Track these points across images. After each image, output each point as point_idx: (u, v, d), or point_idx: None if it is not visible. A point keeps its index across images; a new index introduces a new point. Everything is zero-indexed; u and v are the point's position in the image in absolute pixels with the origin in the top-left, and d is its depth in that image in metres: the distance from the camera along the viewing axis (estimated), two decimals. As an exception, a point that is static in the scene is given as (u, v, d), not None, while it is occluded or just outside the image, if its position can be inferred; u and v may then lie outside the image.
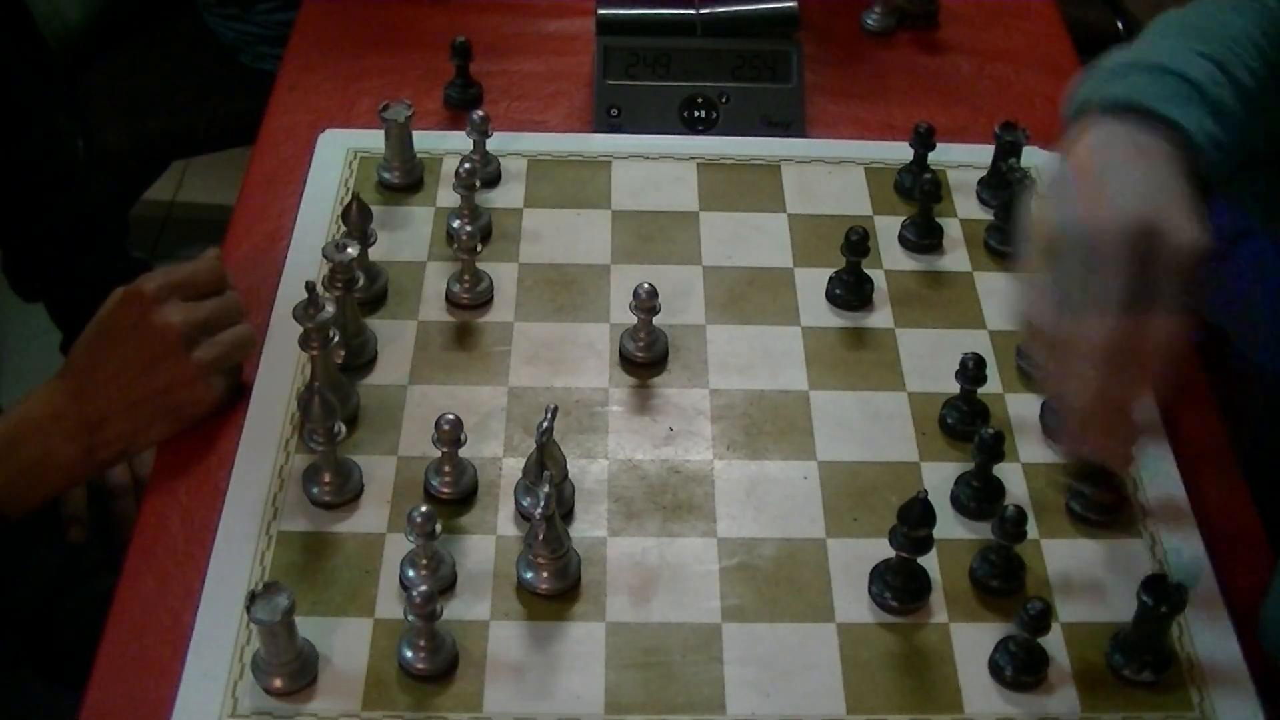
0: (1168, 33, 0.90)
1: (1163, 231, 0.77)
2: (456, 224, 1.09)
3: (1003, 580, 0.89)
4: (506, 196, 1.15)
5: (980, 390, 0.97)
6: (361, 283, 1.01)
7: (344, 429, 0.90)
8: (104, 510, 1.18)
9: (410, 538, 0.84)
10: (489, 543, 0.90)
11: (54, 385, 0.94)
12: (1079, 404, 0.80)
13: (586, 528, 0.91)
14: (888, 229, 1.13)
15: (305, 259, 1.08)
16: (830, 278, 1.08)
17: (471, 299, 1.05)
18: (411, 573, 0.86)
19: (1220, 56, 0.88)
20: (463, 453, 0.92)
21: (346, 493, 0.92)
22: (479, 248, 1.04)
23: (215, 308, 0.96)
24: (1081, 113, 0.86)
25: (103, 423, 0.93)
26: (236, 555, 0.89)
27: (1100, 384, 0.78)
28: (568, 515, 0.92)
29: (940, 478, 0.95)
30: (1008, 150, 1.14)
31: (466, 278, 1.05)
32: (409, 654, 0.83)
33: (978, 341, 1.04)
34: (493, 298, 1.06)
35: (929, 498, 0.84)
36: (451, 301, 1.05)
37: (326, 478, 0.92)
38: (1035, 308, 0.82)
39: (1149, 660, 0.84)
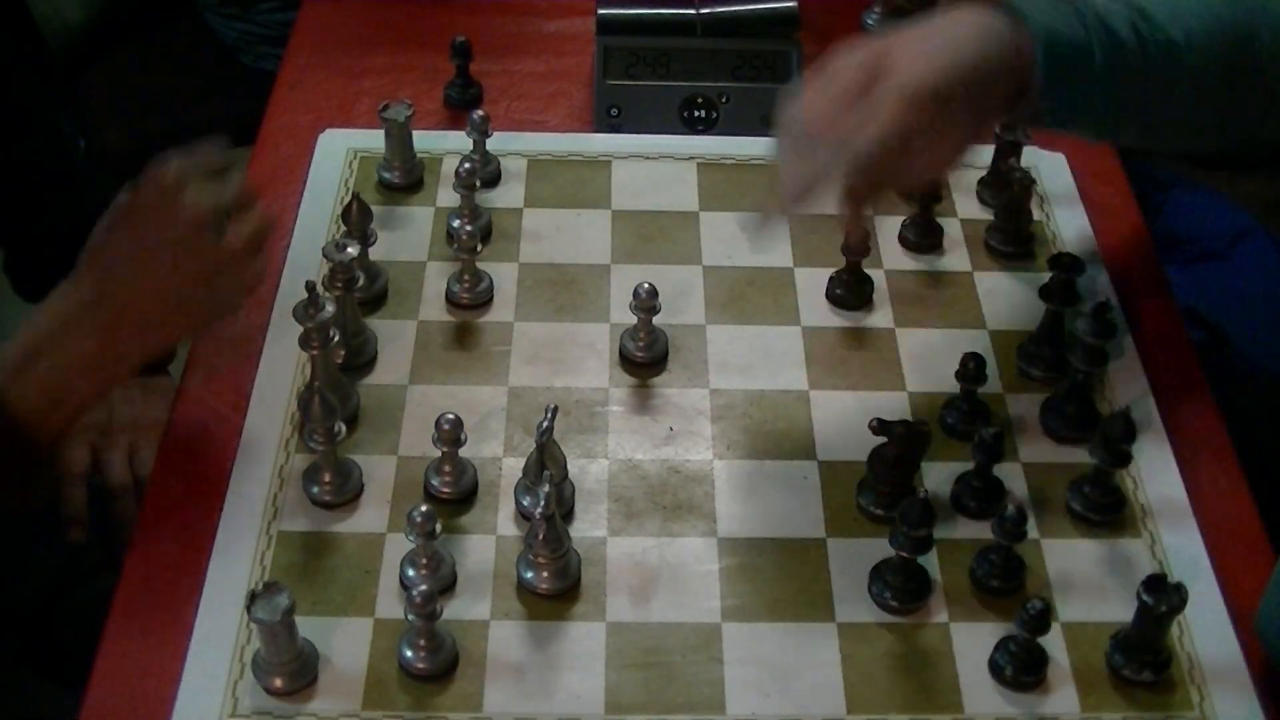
0: None
1: (891, 64, 0.86)
2: (456, 224, 1.09)
3: (1003, 580, 0.89)
4: (506, 196, 1.15)
5: (980, 390, 0.98)
6: (361, 283, 1.01)
7: (344, 429, 0.90)
8: (104, 510, 1.18)
9: (410, 538, 0.84)
10: (489, 543, 0.90)
11: (70, 285, 0.88)
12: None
13: (586, 528, 0.91)
14: (888, 229, 1.13)
15: (305, 259, 1.08)
16: (830, 278, 1.08)
17: (471, 299, 1.05)
18: (411, 573, 0.86)
19: (1152, 7, 0.93)
20: (463, 453, 0.92)
21: (346, 492, 0.92)
22: (479, 247, 1.04)
23: (237, 186, 0.91)
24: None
25: (128, 316, 0.87)
26: (236, 555, 0.89)
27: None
28: (568, 515, 0.92)
29: (940, 478, 0.95)
30: (1008, 150, 1.14)
31: (466, 278, 1.05)
32: (409, 654, 0.83)
33: (978, 341, 1.04)
34: (493, 297, 1.06)
35: (929, 498, 0.84)
36: (451, 301, 1.06)
37: (326, 477, 0.92)
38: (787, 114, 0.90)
39: (1149, 660, 0.84)
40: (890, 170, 0.87)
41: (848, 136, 0.85)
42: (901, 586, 0.88)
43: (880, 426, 0.91)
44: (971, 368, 0.94)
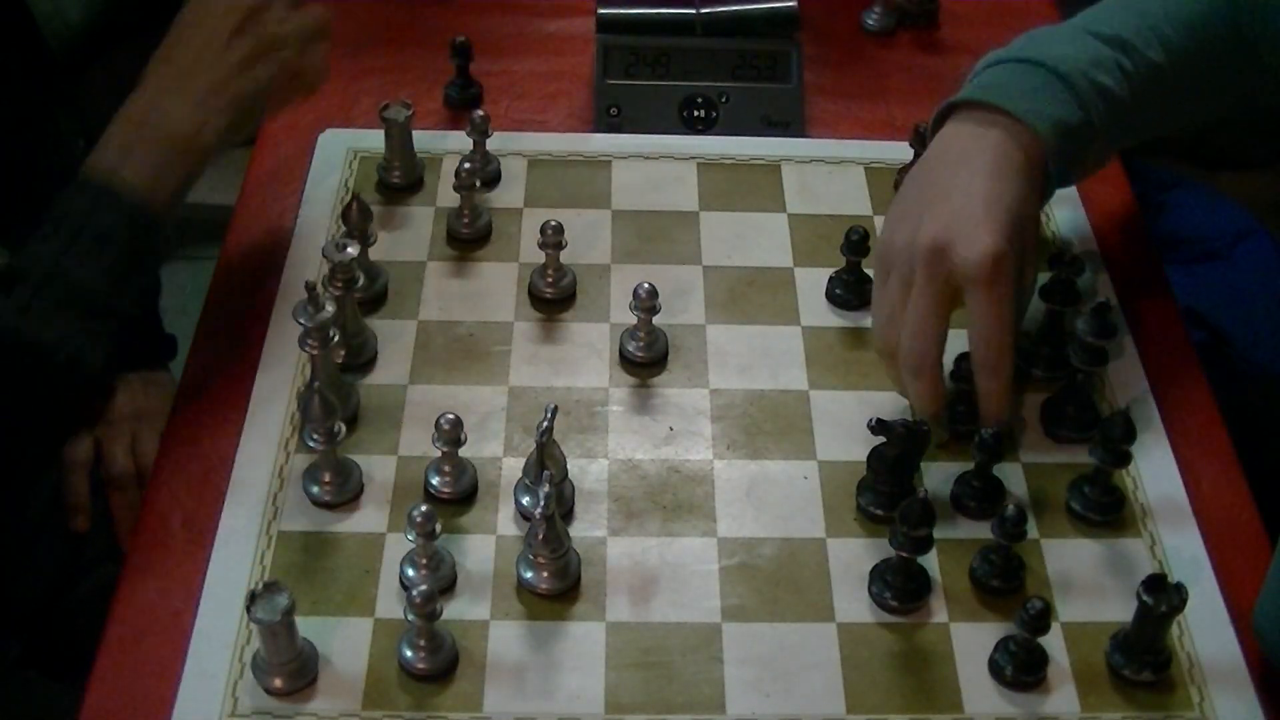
0: (1080, 13, 1.00)
1: (950, 246, 0.88)
2: (455, 223, 1.10)
3: (1003, 580, 0.89)
4: (506, 196, 1.15)
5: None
6: (361, 283, 1.01)
7: (344, 428, 0.90)
8: (106, 500, 1.18)
9: (410, 538, 0.84)
10: (489, 543, 0.90)
11: (153, 71, 0.98)
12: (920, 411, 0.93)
13: (586, 528, 0.91)
14: (888, 229, 1.13)
15: (305, 259, 1.08)
16: (830, 277, 1.08)
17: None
18: (411, 572, 0.86)
19: (1129, 35, 0.95)
20: (463, 453, 0.92)
21: (346, 492, 0.92)
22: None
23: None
24: (943, 114, 0.96)
25: (211, 91, 0.96)
26: (236, 555, 0.89)
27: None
28: (568, 515, 0.92)
29: (940, 478, 0.95)
30: (1008, 150, 1.14)
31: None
32: (409, 654, 0.83)
33: (978, 341, 1.04)
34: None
35: (929, 497, 0.84)
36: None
37: (326, 477, 0.92)
38: (875, 322, 0.95)
39: (1149, 660, 0.84)
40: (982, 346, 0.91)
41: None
42: (901, 587, 0.88)
43: (880, 426, 0.91)
44: (966, 367, 0.94)
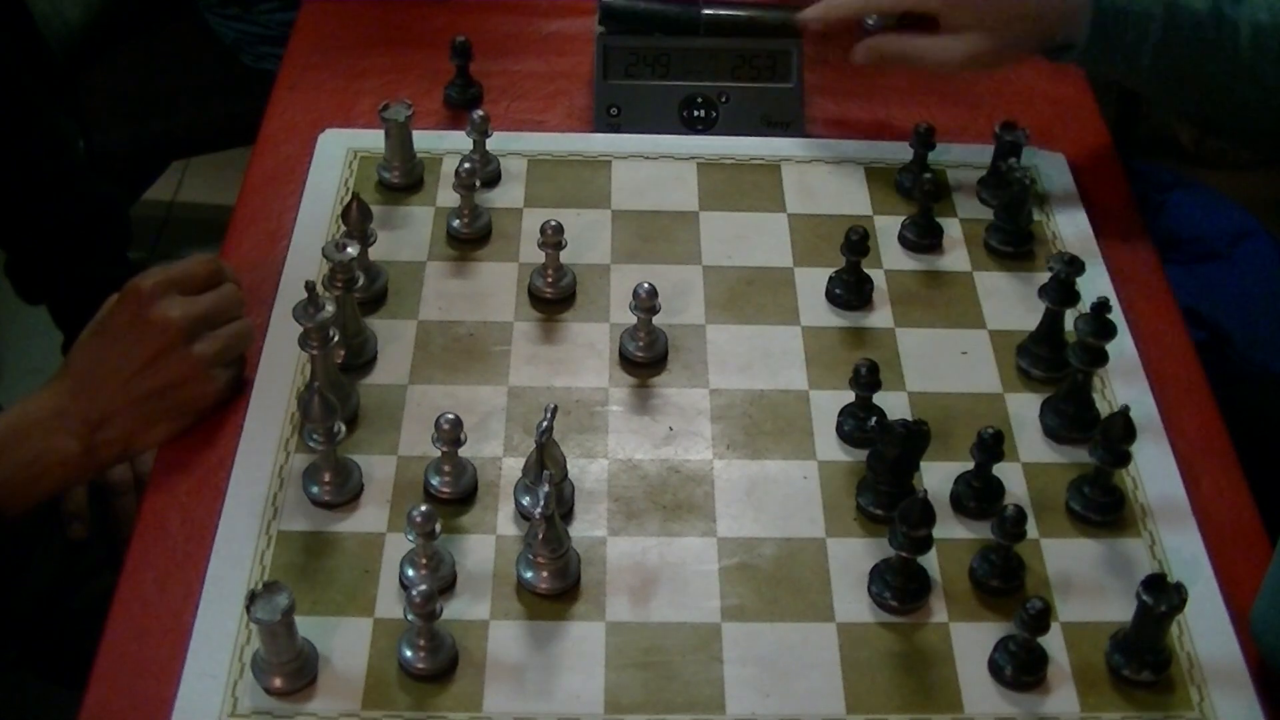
0: None
1: None
2: (456, 223, 1.09)
3: (1003, 580, 0.89)
4: (506, 196, 1.15)
5: (980, 390, 0.97)
6: (361, 283, 1.01)
7: (344, 429, 0.90)
8: (105, 507, 1.18)
9: (410, 537, 0.84)
10: (489, 543, 0.90)
11: (54, 385, 0.94)
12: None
13: (586, 528, 0.91)
14: (888, 229, 1.13)
15: (305, 259, 1.08)
16: (830, 277, 1.08)
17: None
18: (411, 572, 0.86)
19: None
20: (463, 453, 0.92)
21: (346, 492, 0.92)
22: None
23: (213, 301, 0.96)
24: None
25: (104, 421, 0.93)
26: (236, 555, 0.89)
27: None
28: (568, 515, 0.92)
29: (940, 478, 0.95)
30: (1008, 150, 1.14)
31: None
32: (409, 654, 0.83)
33: (978, 341, 1.04)
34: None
35: (929, 497, 0.84)
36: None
37: (326, 477, 0.92)
38: None
39: (1149, 660, 0.84)
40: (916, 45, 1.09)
41: None
42: (901, 587, 0.88)
43: (880, 426, 0.91)
44: (865, 373, 0.95)
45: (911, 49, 1.11)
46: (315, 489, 0.92)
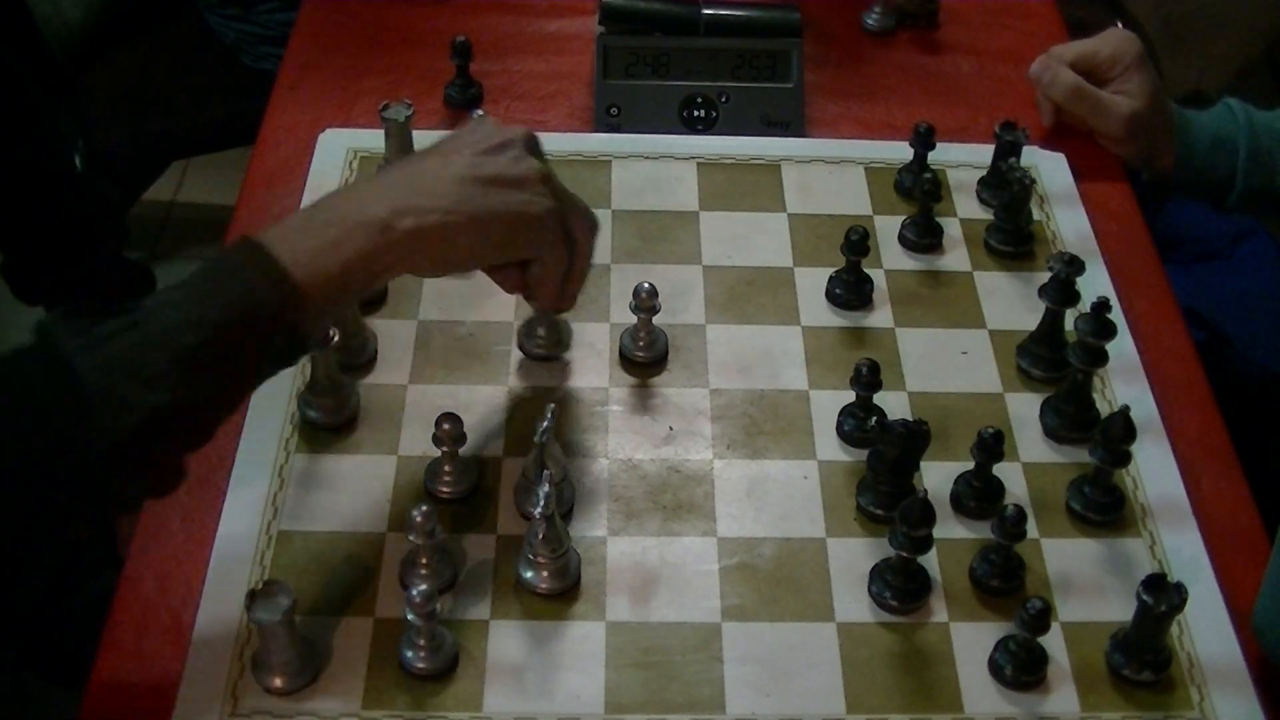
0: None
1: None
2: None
3: (1003, 580, 0.89)
4: (506, 196, 1.14)
5: (980, 390, 0.97)
6: (361, 283, 1.01)
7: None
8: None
9: (410, 538, 0.84)
10: (489, 543, 0.90)
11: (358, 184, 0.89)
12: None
13: (586, 527, 0.91)
14: (888, 229, 1.13)
15: (305, 259, 1.07)
16: (830, 277, 1.08)
17: None
18: (411, 572, 0.86)
19: None
20: (463, 453, 0.92)
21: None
22: None
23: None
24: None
25: (418, 193, 0.81)
26: (236, 555, 0.89)
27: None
28: (568, 515, 0.92)
29: (940, 478, 0.95)
30: (1008, 150, 1.14)
31: None
32: (409, 654, 0.83)
33: (978, 341, 1.04)
34: None
35: (929, 497, 0.84)
36: None
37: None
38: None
39: (1149, 660, 0.84)
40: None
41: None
42: (901, 586, 0.88)
43: (880, 426, 0.91)
44: (866, 374, 0.95)
45: (1090, 91, 1.19)
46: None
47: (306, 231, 0.78)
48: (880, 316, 1.06)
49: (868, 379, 0.94)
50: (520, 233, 0.85)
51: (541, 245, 0.87)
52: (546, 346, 1.01)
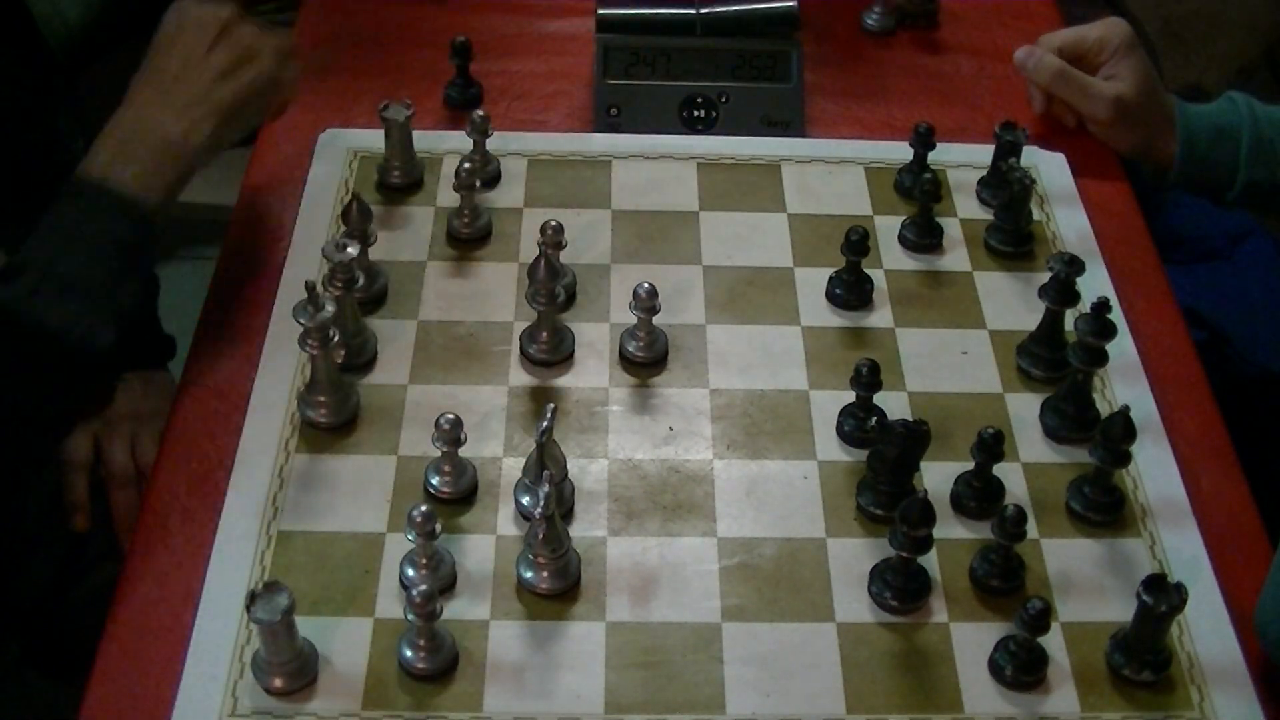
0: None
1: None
2: (456, 222, 1.10)
3: (1003, 580, 0.89)
4: (506, 196, 1.15)
5: (980, 390, 0.97)
6: (361, 283, 1.01)
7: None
8: (106, 500, 1.18)
9: (410, 537, 0.84)
10: (489, 543, 0.90)
11: (138, 85, 1.01)
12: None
13: (586, 528, 0.91)
14: (888, 229, 1.13)
15: (305, 259, 1.08)
16: (830, 277, 1.08)
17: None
18: (411, 572, 0.86)
19: None
20: (463, 453, 0.92)
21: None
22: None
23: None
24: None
25: (199, 97, 0.99)
26: (236, 555, 0.89)
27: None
28: (568, 515, 0.92)
29: (940, 478, 0.95)
30: (1008, 150, 1.14)
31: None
32: (409, 654, 0.83)
33: (978, 341, 1.04)
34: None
35: (929, 498, 0.84)
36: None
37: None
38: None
39: (1149, 660, 0.84)
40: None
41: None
42: (901, 587, 0.88)
43: (880, 426, 0.91)
44: (866, 373, 0.95)
45: (1075, 75, 1.18)
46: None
47: (131, 158, 0.96)
48: (880, 316, 1.06)
49: (868, 379, 0.94)
50: (260, 103, 1.04)
51: (274, 99, 1.06)
52: (548, 352, 1.01)
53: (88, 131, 1.76)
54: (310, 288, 0.91)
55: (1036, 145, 1.20)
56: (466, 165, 1.07)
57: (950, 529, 0.92)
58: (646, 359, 1.02)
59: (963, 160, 1.19)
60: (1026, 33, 1.35)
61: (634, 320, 1.01)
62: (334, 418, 0.96)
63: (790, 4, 1.22)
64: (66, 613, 1.14)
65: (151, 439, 1.16)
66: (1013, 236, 1.11)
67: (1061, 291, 0.99)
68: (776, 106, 1.21)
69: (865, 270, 1.07)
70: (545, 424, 0.87)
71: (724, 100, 1.21)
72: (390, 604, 0.87)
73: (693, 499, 0.94)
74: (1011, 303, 1.08)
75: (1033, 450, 0.98)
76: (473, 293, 1.06)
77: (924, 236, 1.11)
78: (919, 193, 1.10)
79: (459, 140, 1.16)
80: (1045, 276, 1.01)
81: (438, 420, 0.89)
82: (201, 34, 1.01)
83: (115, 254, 0.93)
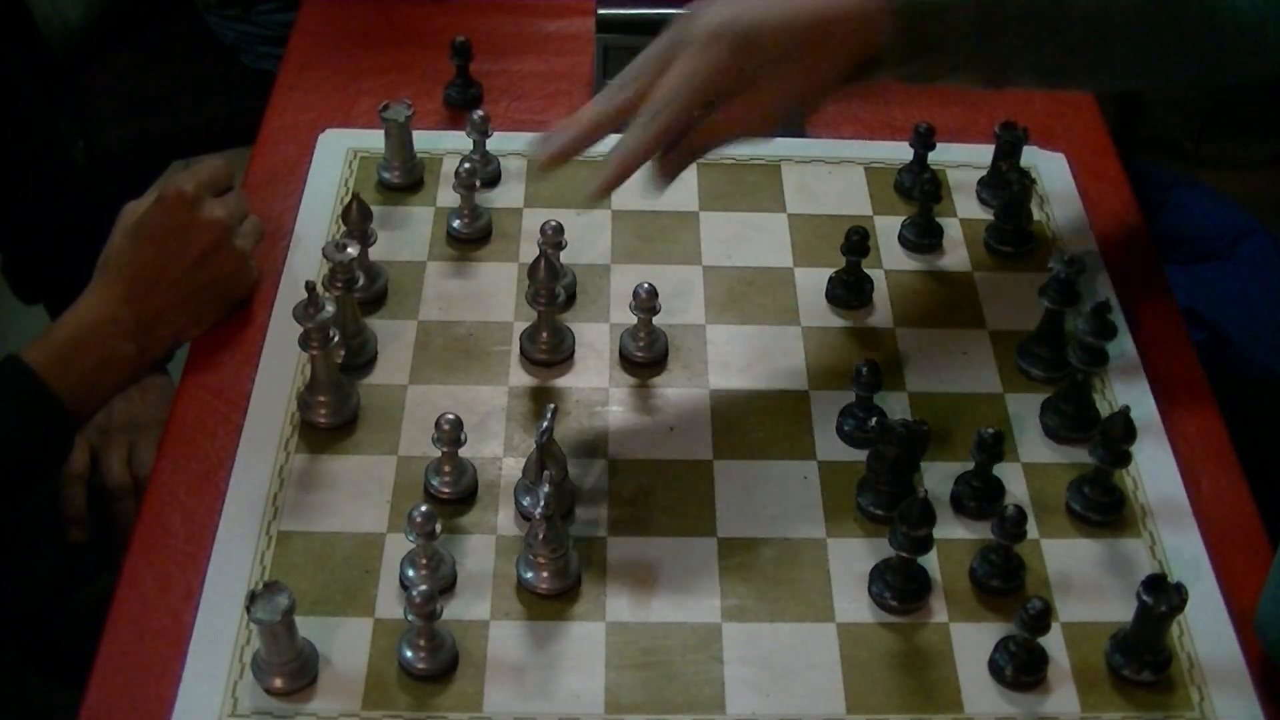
0: None
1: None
2: (457, 223, 1.10)
3: (1003, 580, 0.89)
4: (506, 196, 1.15)
5: (980, 390, 0.97)
6: (361, 283, 1.01)
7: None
8: (104, 510, 1.18)
9: (410, 538, 0.84)
10: (489, 543, 0.90)
11: (100, 291, 0.99)
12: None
13: (586, 528, 0.91)
14: (888, 229, 1.13)
15: (305, 259, 1.08)
16: (830, 278, 1.08)
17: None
18: (411, 573, 0.86)
19: None
20: (463, 453, 0.92)
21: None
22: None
23: (238, 199, 1.04)
24: None
25: (157, 320, 0.99)
26: (236, 555, 0.89)
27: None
28: (568, 515, 0.92)
29: (940, 478, 0.95)
30: (1008, 150, 1.14)
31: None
32: (409, 654, 0.83)
33: (978, 341, 1.04)
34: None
35: (929, 498, 0.84)
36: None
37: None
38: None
39: (1149, 660, 0.84)
40: (702, 126, 0.88)
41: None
42: (901, 587, 0.88)
43: (880, 426, 0.91)
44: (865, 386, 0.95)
45: (711, 132, 0.90)
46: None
47: (70, 364, 0.96)
48: (880, 316, 1.06)
49: (868, 379, 0.94)
50: (229, 303, 1.04)
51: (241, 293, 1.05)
52: (549, 353, 1.01)
53: (88, 131, 1.77)
54: (310, 288, 0.91)
55: (1036, 145, 1.20)
56: (466, 165, 1.07)
57: (950, 529, 0.92)
58: (646, 359, 1.02)
59: (963, 160, 1.19)
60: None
61: (634, 320, 1.01)
62: (334, 418, 0.96)
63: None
64: (63, 623, 1.14)
65: (149, 449, 1.16)
66: (1013, 236, 1.11)
67: (1061, 291, 0.99)
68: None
69: (865, 270, 1.07)
70: (545, 424, 0.87)
71: (724, 100, 1.21)
72: (390, 604, 0.87)
73: (693, 499, 0.93)
74: (1011, 303, 1.08)
75: (1033, 450, 0.98)
76: (473, 293, 1.06)
77: (924, 236, 1.11)
78: (919, 193, 1.10)
79: (459, 140, 1.16)
80: (1045, 276, 1.01)
81: (438, 420, 0.89)
82: (188, 247, 0.99)
83: (17, 453, 0.95)
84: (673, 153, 0.90)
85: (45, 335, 0.98)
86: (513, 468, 0.94)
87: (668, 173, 0.91)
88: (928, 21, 0.88)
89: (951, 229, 1.13)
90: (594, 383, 1.01)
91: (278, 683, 0.82)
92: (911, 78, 0.93)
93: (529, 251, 1.09)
